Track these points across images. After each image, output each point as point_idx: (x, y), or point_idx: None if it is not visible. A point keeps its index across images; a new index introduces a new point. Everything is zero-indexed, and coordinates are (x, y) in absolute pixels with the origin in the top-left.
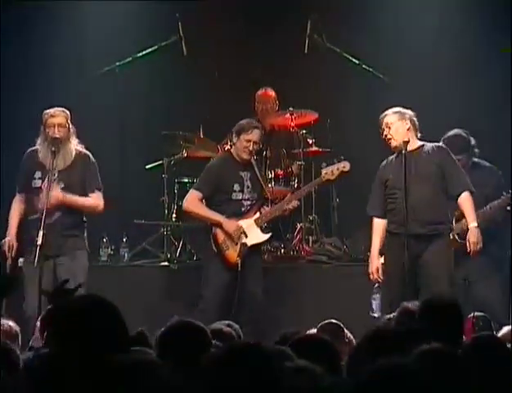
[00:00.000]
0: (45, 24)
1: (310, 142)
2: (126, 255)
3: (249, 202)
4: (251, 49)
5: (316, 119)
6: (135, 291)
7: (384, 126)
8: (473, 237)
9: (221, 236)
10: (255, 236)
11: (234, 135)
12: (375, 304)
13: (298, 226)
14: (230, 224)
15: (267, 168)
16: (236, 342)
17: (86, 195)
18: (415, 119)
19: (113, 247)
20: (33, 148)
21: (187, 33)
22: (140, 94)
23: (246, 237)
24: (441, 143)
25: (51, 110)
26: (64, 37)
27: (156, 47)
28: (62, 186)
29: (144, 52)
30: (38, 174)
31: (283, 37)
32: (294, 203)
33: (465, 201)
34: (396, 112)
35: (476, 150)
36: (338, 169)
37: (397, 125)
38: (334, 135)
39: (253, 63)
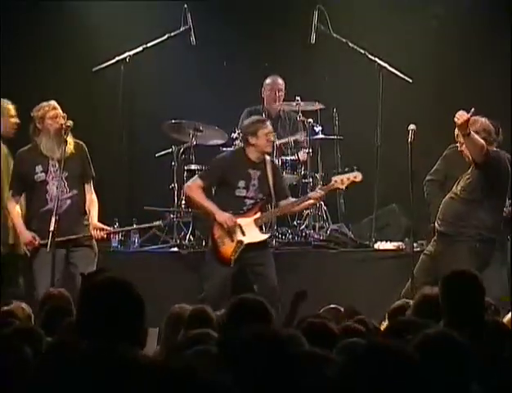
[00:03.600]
0: (55, 14)
1: (317, 130)
2: (136, 240)
3: (252, 201)
4: (258, 39)
5: (323, 108)
6: (145, 276)
7: (458, 140)
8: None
9: (217, 231)
10: (253, 235)
11: (250, 136)
12: None
13: (305, 212)
14: (223, 216)
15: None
16: (254, 327)
17: (83, 183)
18: (487, 129)
19: (124, 233)
20: (25, 148)
21: (196, 23)
22: (150, 83)
23: (243, 235)
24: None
25: (50, 103)
26: (74, 26)
27: (166, 36)
28: (66, 175)
29: (154, 42)
30: (39, 168)
31: (290, 27)
32: (298, 208)
33: None
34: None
35: None
36: (349, 178)
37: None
38: (340, 124)
39: (261, 52)
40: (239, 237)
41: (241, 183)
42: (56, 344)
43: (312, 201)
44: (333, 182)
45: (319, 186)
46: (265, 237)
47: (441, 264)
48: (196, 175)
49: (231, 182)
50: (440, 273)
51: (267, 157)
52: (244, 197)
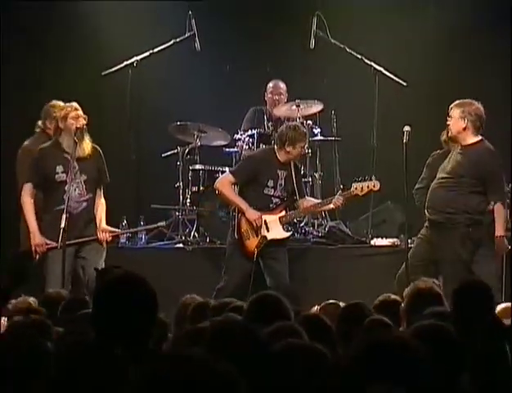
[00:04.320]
0: (64, 20)
1: (316, 131)
2: (143, 237)
3: (278, 200)
4: (259, 41)
5: (321, 110)
6: (151, 271)
7: (449, 114)
8: (499, 246)
9: (244, 225)
10: (276, 232)
11: (287, 143)
12: None
13: None
14: (252, 213)
15: None
16: (224, 319)
17: (100, 186)
18: (478, 114)
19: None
20: (47, 144)
21: (201, 29)
22: (156, 86)
23: (268, 231)
24: (492, 148)
25: (72, 104)
26: (84, 30)
27: (172, 42)
28: (85, 178)
29: (160, 47)
30: (60, 168)
31: (290, 29)
32: (319, 210)
33: (496, 211)
34: (461, 106)
35: None
36: (368, 186)
37: (456, 121)
38: (338, 125)
39: (261, 55)
40: (263, 232)
41: (270, 183)
42: (65, 336)
43: (332, 206)
44: (352, 189)
45: (339, 192)
46: (287, 234)
47: (437, 251)
48: (228, 171)
49: (260, 180)
50: (437, 260)
51: None
52: (272, 196)
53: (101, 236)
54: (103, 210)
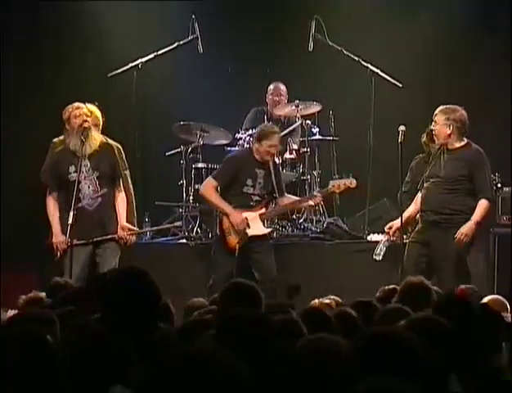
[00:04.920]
0: (68, 20)
1: (314, 131)
2: (148, 233)
3: (257, 197)
4: (261, 46)
5: (320, 110)
6: (155, 265)
7: (434, 119)
8: (466, 228)
9: (226, 222)
10: (256, 228)
11: (255, 140)
12: (380, 249)
13: None
14: (236, 216)
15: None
16: (237, 311)
17: (116, 180)
18: (463, 120)
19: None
20: (60, 148)
21: (202, 30)
22: (160, 88)
23: (249, 227)
24: (481, 149)
25: (74, 104)
26: (88, 31)
27: (176, 45)
28: (97, 174)
29: (165, 50)
30: (72, 168)
31: (290, 34)
32: (298, 207)
33: (481, 204)
34: (445, 114)
35: None
36: (345, 184)
37: (441, 127)
38: (336, 125)
39: (263, 58)
40: (245, 229)
41: (249, 182)
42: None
43: (311, 203)
44: (330, 186)
45: (317, 189)
46: (267, 231)
47: (436, 251)
48: (210, 176)
49: (240, 180)
50: (436, 260)
51: None
52: (251, 194)
53: (121, 234)
54: (123, 206)
